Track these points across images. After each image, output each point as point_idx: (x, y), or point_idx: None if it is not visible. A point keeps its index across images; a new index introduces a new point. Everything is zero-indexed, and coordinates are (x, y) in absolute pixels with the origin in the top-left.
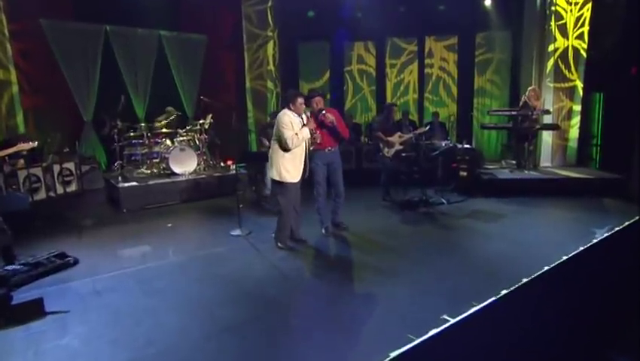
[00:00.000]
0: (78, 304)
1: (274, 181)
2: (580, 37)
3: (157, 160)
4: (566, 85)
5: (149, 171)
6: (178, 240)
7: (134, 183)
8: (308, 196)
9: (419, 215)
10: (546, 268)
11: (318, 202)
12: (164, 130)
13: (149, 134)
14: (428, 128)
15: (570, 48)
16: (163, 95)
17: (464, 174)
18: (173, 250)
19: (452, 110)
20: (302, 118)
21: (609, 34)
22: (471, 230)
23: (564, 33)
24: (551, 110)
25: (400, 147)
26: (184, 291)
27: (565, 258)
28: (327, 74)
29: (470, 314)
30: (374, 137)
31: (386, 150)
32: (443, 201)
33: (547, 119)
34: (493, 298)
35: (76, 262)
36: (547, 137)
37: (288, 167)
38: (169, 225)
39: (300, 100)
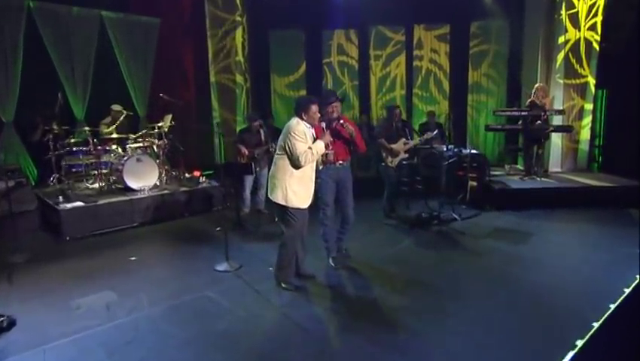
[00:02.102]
0: None
1: (277, 206)
2: (593, 28)
3: (106, 172)
4: (578, 81)
5: (96, 187)
6: (150, 281)
7: (79, 204)
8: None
9: (433, 236)
10: (612, 306)
11: (324, 227)
12: (114, 135)
13: (95, 140)
14: (435, 132)
15: (582, 40)
16: (107, 90)
17: (474, 183)
18: (147, 297)
19: (443, 108)
20: (314, 130)
21: (623, 24)
22: (503, 255)
23: (575, 23)
24: (562, 108)
25: (406, 156)
26: None
27: (627, 291)
28: (304, 67)
29: None
30: (377, 144)
31: (389, 159)
32: (456, 217)
33: (557, 119)
34: (572, 354)
35: (12, 323)
36: (556, 139)
37: (296, 188)
38: (133, 258)
39: (315, 108)
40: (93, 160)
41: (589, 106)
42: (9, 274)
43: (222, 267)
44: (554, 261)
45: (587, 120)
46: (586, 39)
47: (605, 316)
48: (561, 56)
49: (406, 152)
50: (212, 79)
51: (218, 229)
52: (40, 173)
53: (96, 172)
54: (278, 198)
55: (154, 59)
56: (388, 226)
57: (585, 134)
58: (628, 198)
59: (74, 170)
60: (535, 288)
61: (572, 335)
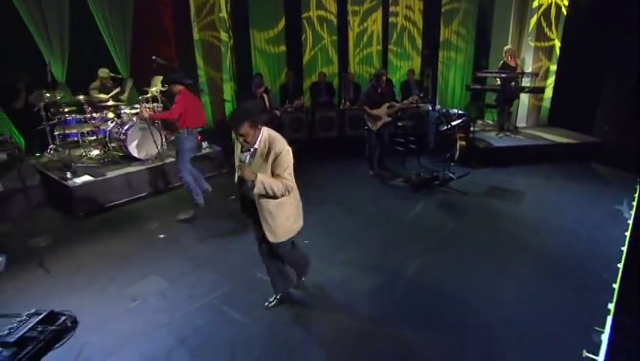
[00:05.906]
0: None
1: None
2: None
3: (105, 140)
4: (546, 44)
5: (94, 156)
6: (191, 260)
7: (88, 178)
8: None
9: (439, 197)
10: (619, 265)
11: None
12: (110, 102)
13: (90, 108)
14: (422, 95)
15: (553, 4)
16: (85, 51)
17: (464, 143)
18: (200, 281)
19: (416, 65)
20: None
21: None
22: (509, 217)
23: None
24: (530, 70)
25: (389, 119)
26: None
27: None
28: (283, 22)
29: (609, 344)
30: (360, 110)
31: (370, 123)
32: (452, 176)
33: (526, 79)
34: (611, 319)
35: (75, 321)
36: (524, 98)
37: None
38: (162, 236)
39: None
40: (90, 129)
41: (553, 67)
42: (41, 262)
43: None
44: (553, 221)
45: (551, 80)
46: (556, 3)
47: (619, 276)
48: (534, 19)
49: (389, 115)
50: (196, 36)
51: (232, 197)
52: (27, 143)
53: (92, 139)
54: (280, 234)
55: (133, 16)
56: (395, 189)
57: (548, 92)
58: (589, 153)
59: (68, 140)
60: (551, 251)
61: (603, 297)
